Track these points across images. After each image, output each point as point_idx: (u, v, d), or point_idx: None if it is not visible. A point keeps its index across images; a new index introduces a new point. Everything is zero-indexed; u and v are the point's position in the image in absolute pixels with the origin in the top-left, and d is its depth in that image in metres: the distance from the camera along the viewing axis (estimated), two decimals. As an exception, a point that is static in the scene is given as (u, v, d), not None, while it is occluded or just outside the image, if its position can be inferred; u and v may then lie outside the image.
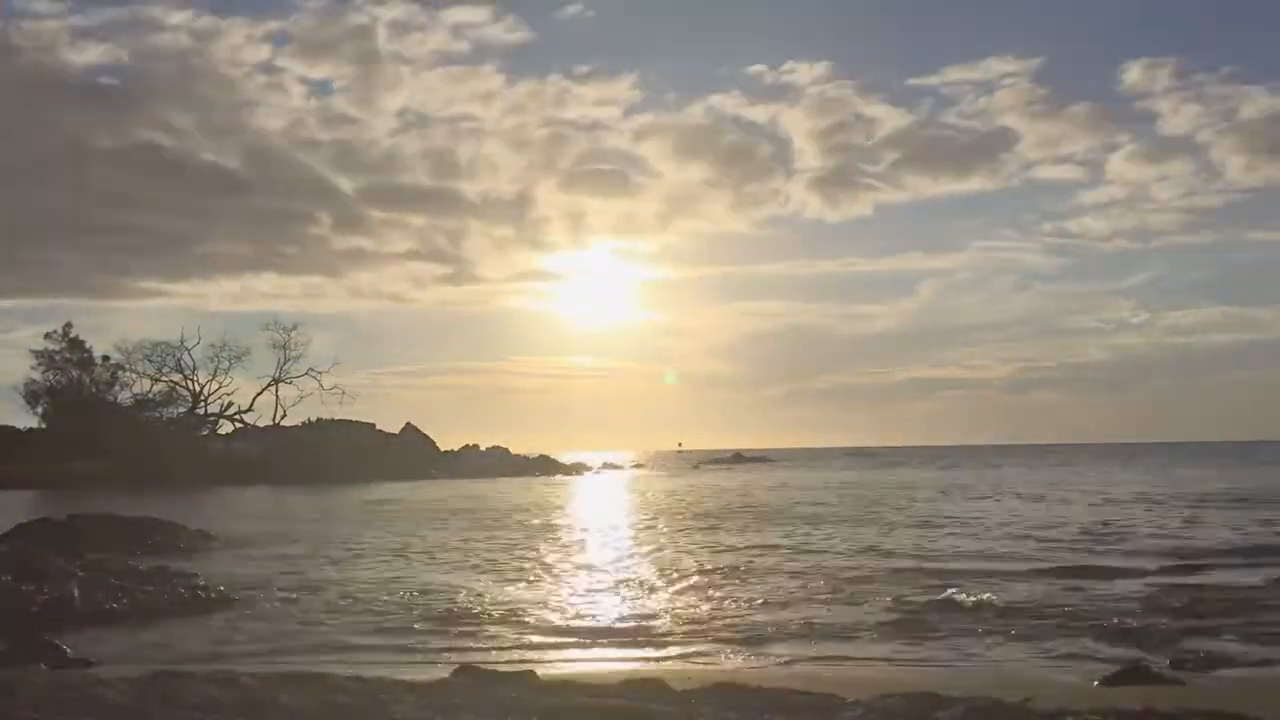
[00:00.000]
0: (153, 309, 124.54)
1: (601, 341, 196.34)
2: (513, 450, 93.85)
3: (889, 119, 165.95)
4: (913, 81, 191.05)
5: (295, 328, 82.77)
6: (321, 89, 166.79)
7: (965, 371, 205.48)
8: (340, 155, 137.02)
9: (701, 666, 12.25)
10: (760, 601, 17.23)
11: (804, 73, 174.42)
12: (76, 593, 15.94)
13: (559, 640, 14.43)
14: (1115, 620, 14.92)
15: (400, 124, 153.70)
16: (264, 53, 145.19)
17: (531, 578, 20.68)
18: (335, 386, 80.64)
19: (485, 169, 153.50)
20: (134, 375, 77.69)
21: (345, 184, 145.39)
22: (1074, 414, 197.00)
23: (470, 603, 17.44)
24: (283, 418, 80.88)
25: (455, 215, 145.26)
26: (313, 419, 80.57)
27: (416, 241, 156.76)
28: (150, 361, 78.05)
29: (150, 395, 78.22)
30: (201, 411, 79.71)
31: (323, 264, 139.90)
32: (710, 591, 18.49)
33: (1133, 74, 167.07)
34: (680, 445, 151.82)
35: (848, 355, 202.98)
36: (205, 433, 79.73)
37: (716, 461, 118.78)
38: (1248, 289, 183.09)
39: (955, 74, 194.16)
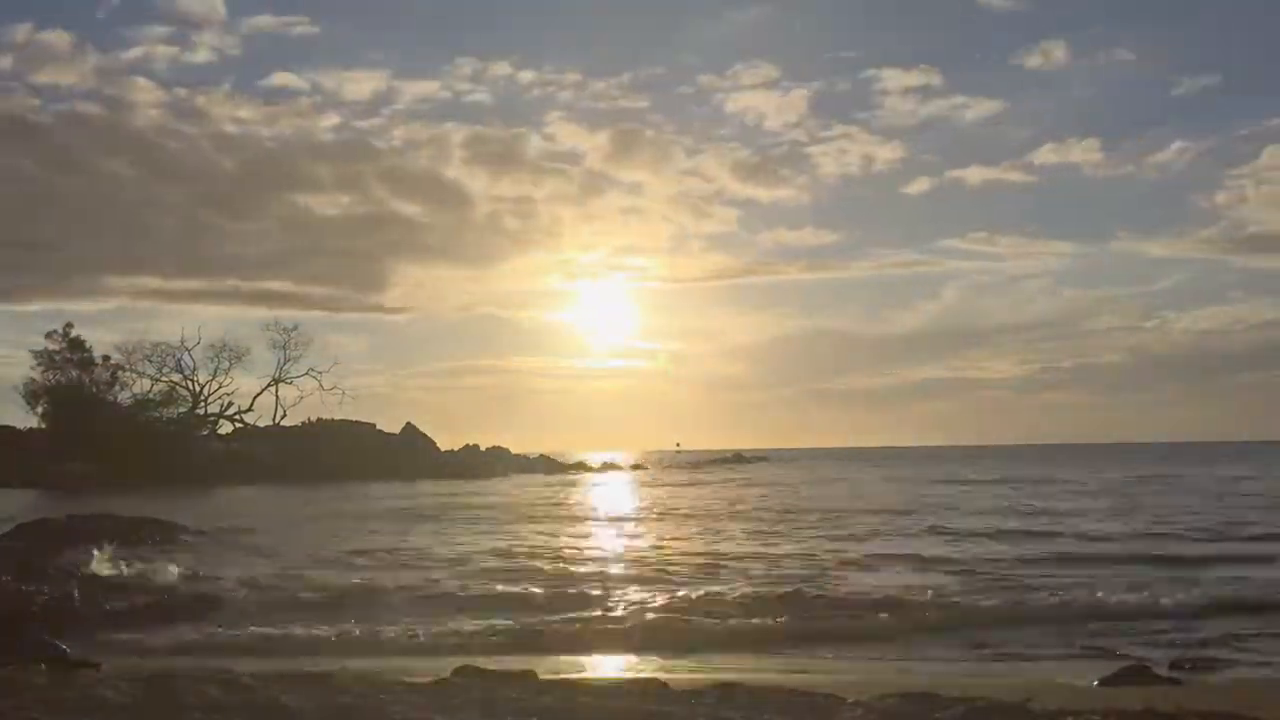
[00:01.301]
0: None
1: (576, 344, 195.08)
2: (513, 450, 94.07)
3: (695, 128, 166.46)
4: (685, 90, 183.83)
5: (295, 328, 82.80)
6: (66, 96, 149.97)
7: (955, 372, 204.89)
8: (162, 164, 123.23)
9: (702, 666, 12.26)
10: (758, 601, 17.24)
11: (561, 76, 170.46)
12: (76, 593, 15.94)
13: (559, 640, 14.44)
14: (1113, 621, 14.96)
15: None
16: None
17: (528, 578, 20.67)
18: (335, 387, 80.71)
19: (305, 182, 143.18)
20: (134, 375, 77.69)
21: (176, 193, 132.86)
22: (1088, 414, 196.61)
23: (470, 605, 17.45)
24: (283, 418, 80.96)
25: (302, 230, 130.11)
26: (313, 419, 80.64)
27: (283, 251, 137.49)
28: (150, 361, 78.08)
29: (150, 395, 78.18)
30: (201, 411, 79.66)
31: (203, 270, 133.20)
32: (709, 590, 18.48)
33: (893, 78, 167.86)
34: (678, 445, 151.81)
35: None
36: (205, 433, 79.66)
37: (716, 461, 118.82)
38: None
39: (712, 81, 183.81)
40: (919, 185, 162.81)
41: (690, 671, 11.53)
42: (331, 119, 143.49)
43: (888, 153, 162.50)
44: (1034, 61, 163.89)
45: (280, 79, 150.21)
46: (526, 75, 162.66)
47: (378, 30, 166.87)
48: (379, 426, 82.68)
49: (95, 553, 19.45)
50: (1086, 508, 39.38)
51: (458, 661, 10.69)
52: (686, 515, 39.34)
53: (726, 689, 8.80)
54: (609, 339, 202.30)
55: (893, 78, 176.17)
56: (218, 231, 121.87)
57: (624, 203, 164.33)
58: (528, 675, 9.30)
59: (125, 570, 18.81)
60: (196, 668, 10.18)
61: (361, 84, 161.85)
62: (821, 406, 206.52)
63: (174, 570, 19.29)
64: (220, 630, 15.18)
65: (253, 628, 15.29)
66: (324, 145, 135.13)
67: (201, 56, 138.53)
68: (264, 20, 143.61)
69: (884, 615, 15.58)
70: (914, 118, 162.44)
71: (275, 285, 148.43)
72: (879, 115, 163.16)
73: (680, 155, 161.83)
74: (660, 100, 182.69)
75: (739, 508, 43.16)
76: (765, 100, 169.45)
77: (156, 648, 13.61)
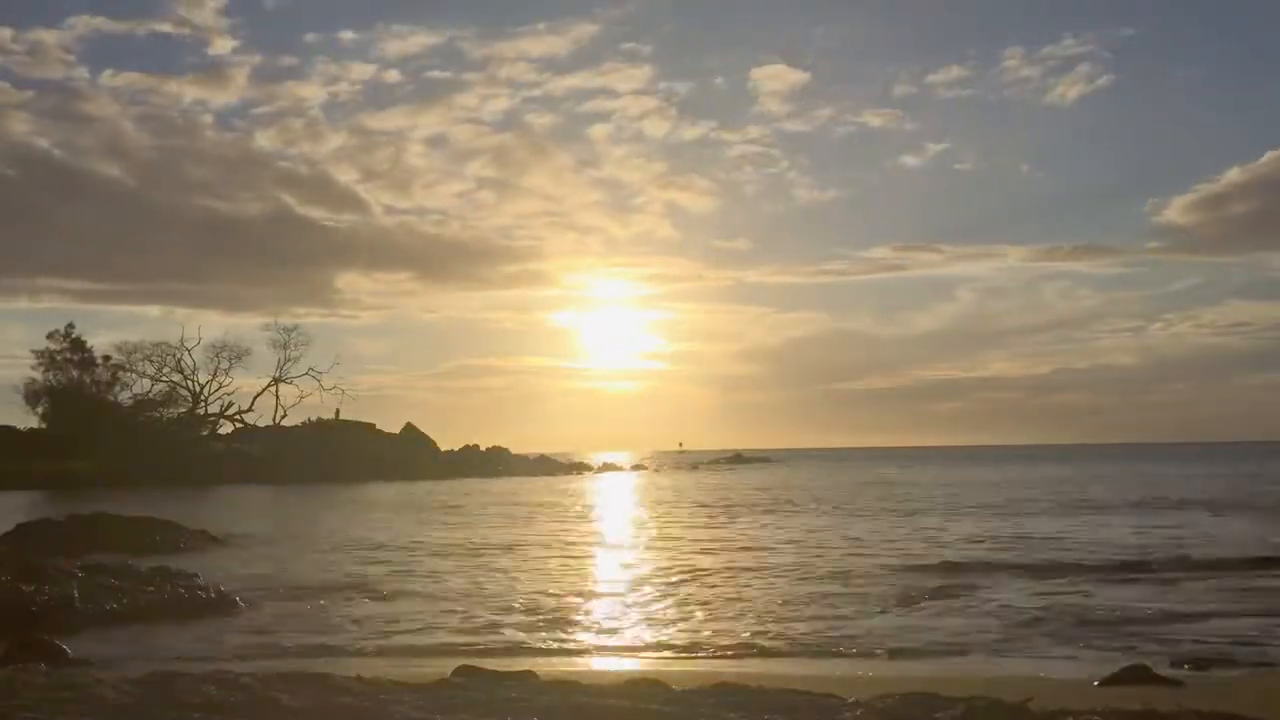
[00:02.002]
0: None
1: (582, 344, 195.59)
2: (513, 451, 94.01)
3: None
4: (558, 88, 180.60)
5: (295, 328, 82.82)
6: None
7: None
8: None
9: (702, 666, 12.26)
10: (759, 600, 17.24)
11: (423, 74, 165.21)
12: (76, 593, 15.94)
13: (559, 640, 14.44)
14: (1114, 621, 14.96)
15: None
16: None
17: (524, 577, 20.69)
18: (335, 387, 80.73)
19: (196, 186, 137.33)
20: (134, 375, 77.73)
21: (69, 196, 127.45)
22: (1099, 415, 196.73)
23: (469, 603, 17.45)
24: (283, 418, 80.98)
25: (212, 233, 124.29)
26: (313, 419, 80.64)
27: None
28: (150, 362, 78.13)
29: (150, 395, 78.24)
30: (201, 411, 79.69)
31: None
32: (709, 589, 18.50)
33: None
34: (681, 445, 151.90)
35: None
36: (205, 433, 79.68)
37: (716, 461, 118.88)
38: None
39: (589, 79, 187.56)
40: (829, 193, 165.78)
41: (690, 671, 11.52)
42: (205, 119, 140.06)
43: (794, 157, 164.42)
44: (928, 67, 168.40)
45: (127, 79, 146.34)
46: (392, 75, 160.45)
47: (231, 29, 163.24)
48: (379, 426, 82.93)
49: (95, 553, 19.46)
50: None
51: (458, 661, 10.70)
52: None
53: (726, 689, 8.79)
54: (586, 343, 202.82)
55: (774, 75, 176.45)
56: (122, 236, 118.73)
57: (533, 207, 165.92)
58: (528, 675, 9.29)
59: (125, 570, 18.79)
60: (196, 668, 10.18)
61: (228, 86, 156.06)
62: (817, 408, 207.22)
63: (174, 570, 19.25)
64: (220, 630, 15.17)
65: (252, 627, 15.30)
66: (205, 150, 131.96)
67: (55, 56, 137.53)
68: (100, 21, 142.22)
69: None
70: (806, 121, 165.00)
71: (199, 289, 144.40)
72: (767, 117, 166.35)
73: (574, 160, 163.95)
74: (539, 100, 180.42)
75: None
76: (645, 103, 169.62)
77: (156, 647, 13.61)
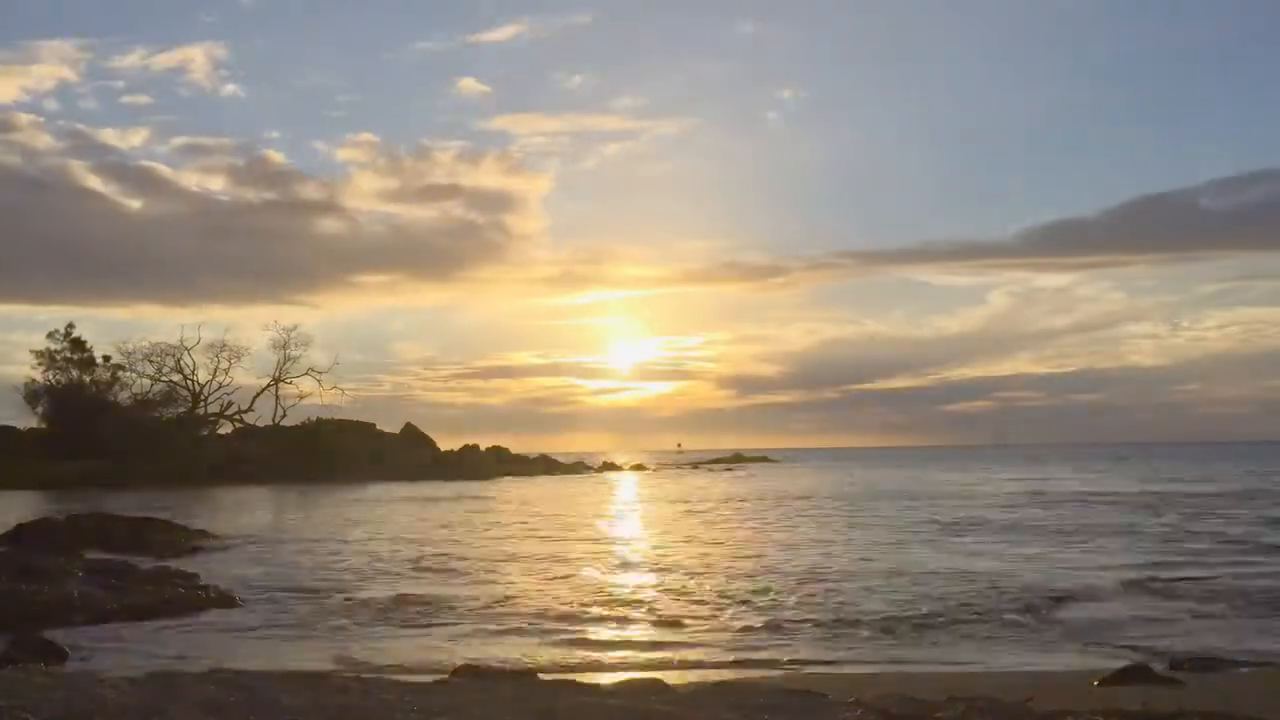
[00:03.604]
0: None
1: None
2: (513, 450, 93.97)
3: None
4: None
5: (295, 328, 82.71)
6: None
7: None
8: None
9: (701, 666, 12.26)
10: (757, 599, 17.25)
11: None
12: (76, 593, 15.95)
13: (559, 640, 14.44)
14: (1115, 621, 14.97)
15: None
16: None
17: (527, 575, 20.68)
18: (335, 386, 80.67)
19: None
20: (134, 375, 77.66)
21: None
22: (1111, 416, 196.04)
23: (468, 604, 17.44)
24: (283, 418, 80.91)
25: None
26: (312, 419, 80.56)
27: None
28: (150, 362, 78.04)
29: (150, 395, 78.13)
30: (201, 411, 79.63)
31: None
32: (708, 589, 18.49)
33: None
34: (679, 446, 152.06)
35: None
36: (205, 433, 79.60)
37: (715, 462, 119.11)
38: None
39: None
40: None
41: (690, 671, 11.53)
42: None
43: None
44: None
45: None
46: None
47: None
48: (379, 426, 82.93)
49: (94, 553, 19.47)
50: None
51: (458, 661, 10.71)
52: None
53: (726, 689, 8.81)
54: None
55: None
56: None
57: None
58: (528, 675, 9.32)
59: (125, 570, 18.80)
60: (196, 667, 10.18)
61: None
62: (830, 409, 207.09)
63: (173, 570, 19.28)
64: (220, 629, 15.17)
65: (251, 627, 15.30)
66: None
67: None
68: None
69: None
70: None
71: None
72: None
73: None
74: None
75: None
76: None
77: (156, 647, 13.61)
